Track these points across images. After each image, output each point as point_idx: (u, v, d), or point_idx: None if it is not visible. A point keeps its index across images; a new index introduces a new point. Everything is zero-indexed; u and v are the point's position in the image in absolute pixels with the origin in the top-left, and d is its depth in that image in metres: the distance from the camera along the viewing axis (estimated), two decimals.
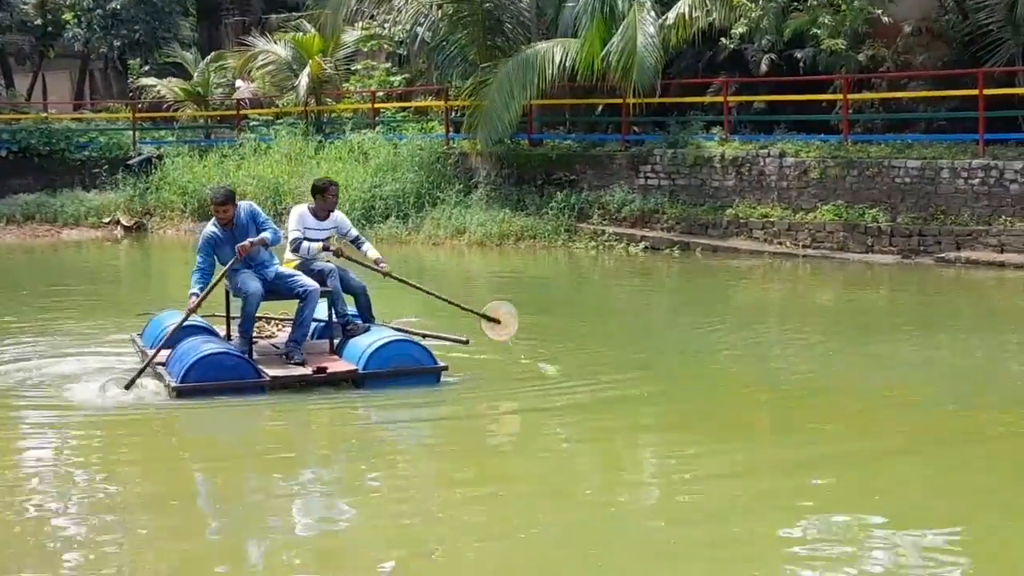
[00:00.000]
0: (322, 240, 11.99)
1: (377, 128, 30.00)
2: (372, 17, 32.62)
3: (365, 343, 11.47)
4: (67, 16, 40.64)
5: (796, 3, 22.98)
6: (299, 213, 12.10)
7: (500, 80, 24.87)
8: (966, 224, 20.51)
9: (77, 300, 19.15)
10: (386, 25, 32.71)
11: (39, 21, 40.68)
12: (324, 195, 12.15)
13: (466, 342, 12.26)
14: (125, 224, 29.31)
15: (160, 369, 11.37)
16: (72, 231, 29.34)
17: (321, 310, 12.07)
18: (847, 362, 12.99)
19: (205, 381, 10.85)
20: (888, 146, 22.40)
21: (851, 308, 17.53)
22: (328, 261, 11.97)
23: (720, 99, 25.57)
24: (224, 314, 12.17)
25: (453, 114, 28.72)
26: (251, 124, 33.62)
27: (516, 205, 25.36)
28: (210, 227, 11.73)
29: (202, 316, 12.24)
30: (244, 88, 34.80)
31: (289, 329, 12.04)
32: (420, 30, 29.12)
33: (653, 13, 24.34)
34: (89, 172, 31.61)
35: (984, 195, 20.55)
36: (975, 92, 21.57)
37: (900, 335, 14.83)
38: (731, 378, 12.41)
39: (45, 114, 36.29)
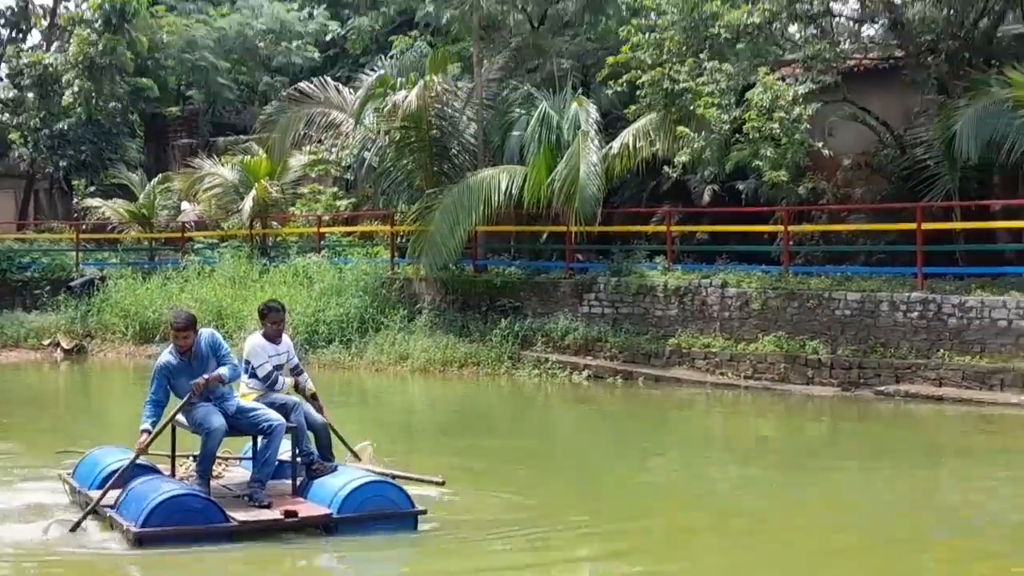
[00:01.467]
0: (279, 367, 11.40)
1: (322, 252, 29.99)
2: (320, 142, 32.80)
3: (337, 484, 10.65)
4: (13, 136, 40.76)
5: (738, 135, 23.28)
6: (259, 345, 11.40)
7: (446, 206, 25.00)
8: (905, 357, 20.62)
9: (10, 427, 18.75)
10: (333, 150, 32.91)
11: None
12: (264, 320, 11.59)
13: (442, 483, 11.63)
14: (65, 347, 28.99)
15: (110, 512, 10.38)
16: (11, 353, 28.97)
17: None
18: (787, 495, 12.93)
19: (169, 526, 9.90)
20: (828, 278, 22.59)
21: (792, 440, 17.54)
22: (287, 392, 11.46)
23: (663, 228, 25.76)
24: (169, 451, 11.34)
25: (399, 239, 28.77)
26: (196, 246, 33.56)
27: (460, 331, 25.32)
28: (166, 355, 10.99)
29: (153, 454, 11.45)
30: (190, 210, 34.76)
31: (231, 468, 11.51)
32: (367, 155, 29.27)
33: (597, 142, 24.65)
34: (30, 293, 31.36)
35: (923, 328, 20.71)
36: (913, 226, 21.84)
37: (840, 468, 14.82)
38: (671, 509, 12.29)
39: None
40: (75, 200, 39.52)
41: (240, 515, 10.33)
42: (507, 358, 24.19)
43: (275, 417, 10.82)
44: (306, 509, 10.59)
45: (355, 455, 12.05)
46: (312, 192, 34.22)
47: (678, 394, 21.53)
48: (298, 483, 11.08)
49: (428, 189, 26.52)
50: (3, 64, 43.42)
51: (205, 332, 11.15)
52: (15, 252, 33.34)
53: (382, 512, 10.58)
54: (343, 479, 10.73)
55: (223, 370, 10.84)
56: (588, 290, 24.81)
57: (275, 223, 32.90)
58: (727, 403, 20.80)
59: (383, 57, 32.25)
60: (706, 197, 26.80)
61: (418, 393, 22.99)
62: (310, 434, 11.25)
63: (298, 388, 11.74)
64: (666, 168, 24.52)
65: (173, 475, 11.23)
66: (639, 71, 24.96)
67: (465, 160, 27.81)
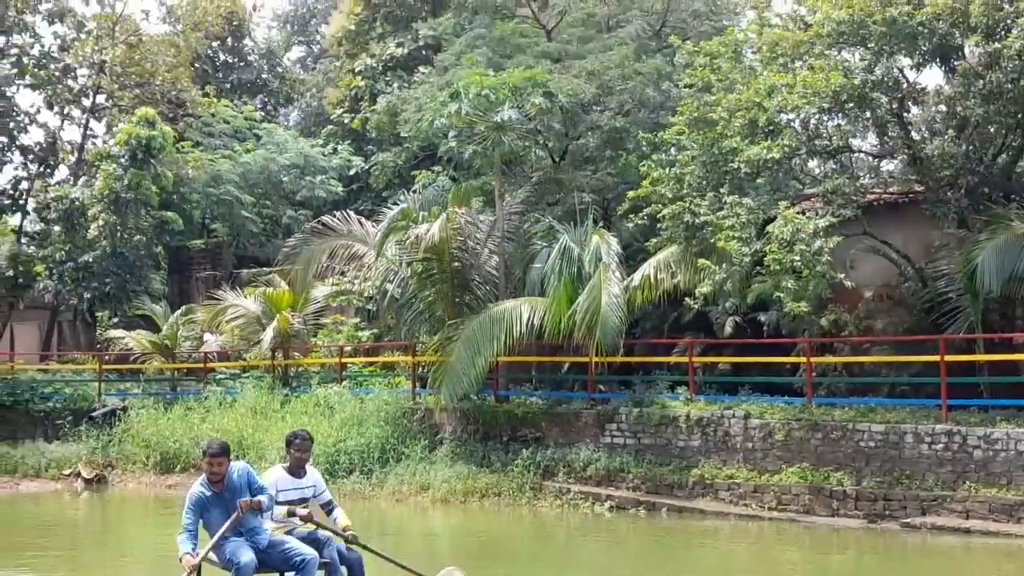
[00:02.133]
0: (294, 502, 11.12)
1: (344, 382, 30.05)
2: (342, 273, 33.08)
3: None
4: (39, 268, 41.16)
5: (759, 268, 23.40)
6: (274, 477, 11.25)
7: (467, 336, 25.08)
8: (931, 489, 20.47)
9: (25, 559, 18.60)
10: (356, 281, 33.19)
11: (11, 272, 41.13)
12: (289, 448, 11.42)
13: None
14: (86, 476, 28.96)
15: None
16: (32, 483, 28.96)
17: None
18: None
19: None
20: (852, 409, 22.52)
21: (818, 573, 17.29)
22: (293, 529, 11.07)
23: (685, 359, 25.80)
24: None
25: (420, 369, 28.82)
26: (218, 377, 33.64)
27: (481, 461, 25.25)
28: (197, 487, 10.83)
29: None
30: (212, 341, 34.93)
31: None
32: (389, 287, 29.45)
33: (618, 274, 24.80)
34: (52, 423, 31.48)
35: (948, 460, 20.59)
36: (936, 358, 21.84)
37: None
38: None
39: (11, 364, 36.24)
40: (98, 331, 39.75)
41: None
42: (529, 488, 24.08)
43: (308, 551, 10.57)
44: None
45: None
46: (334, 322, 34.42)
47: (702, 525, 21.34)
48: None
49: (449, 320, 26.63)
50: (31, 198, 44.07)
51: (238, 464, 10.96)
52: (38, 383, 33.51)
53: None
54: None
55: (262, 497, 10.65)
56: (610, 420, 24.76)
57: (297, 354, 33.01)
58: (751, 535, 20.60)
59: (406, 191, 32.71)
60: (728, 328, 26.88)
61: (439, 524, 22.83)
62: (343, 569, 11.00)
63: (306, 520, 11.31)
64: (687, 300, 24.61)
65: None
66: (660, 205, 25.26)
67: (487, 291, 27.96)
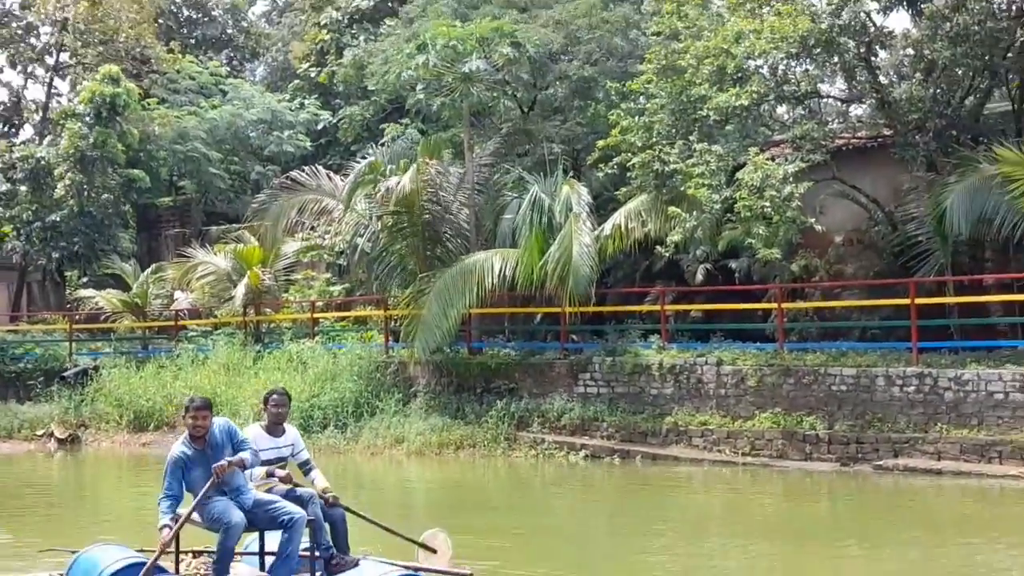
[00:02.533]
0: (272, 461, 10.79)
1: (316, 338, 30.00)
2: (312, 228, 32.94)
3: None
4: (6, 229, 40.89)
5: (729, 215, 23.42)
6: (251, 436, 10.84)
7: (439, 289, 25.06)
8: (903, 431, 20.62)
9: (6, 521, 18.52)
10: (326, 236, 33.06)
11: None
12: (266, 405, 11.15)
13: (469, 575, 11.04)
14: (59, 436, 28.86)
15: None
16: (4, 444, 28.86)
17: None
18: (789, 573, 12.84)
19: None
20: (823, 354, 22.63)
21: (792, 517, 17.41)
22: (272, 488, 10.71)
23: (657, 308, 25.86)
24: (173, 548, 10.65)
25: (392, 323, 28.78)
26: (189, 335, 33.54)
27: (455, 413, 25.29)
28: (178, 447, 10.44)
29: (138, 551, 11.01)
30: (183, 299, 34.80)
31: (235, 564, 10.77)
32: (360, 241, 29.36)
33: (589, 224, 24.77)
34: (24, 384, 31.33)
35: (919, 402, 20.73)
36: (907, 301, 21.96)
37: (841, 544, 14.74)
38: None
39: None
40: (68, 291, 39.55)
41: None
42: (503, 439, 24.15)
43: (295, 510, 10.21)
44: None
45: (427, 548, 11.37)
46: (305, 278, 34.31)
47: (676, 472, 21.45)
48: None
49: (421, 273, 26.60)
50: None
51: (219, 420, 10.61)
52: (8, 344, 33.34)
53: None
54: (373, 574, 10.15)
55: (244, 454, 10.34)
56: (583, 370, 24.80)
57: (268, 310, 32.92)
58: (726, 480, 20.71)
59: (374, 145, 32.52)
60: (699, 276, 26.92)
61: (415, 476, 22.86)
62: (326, 526, 10.71)
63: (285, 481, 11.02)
64: (658, 248, 24.63)
65: (177, 572, 10.65)
66: (629, 154, 25.22)
67: (458, 244, 27.92)
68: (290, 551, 10.09)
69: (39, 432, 29.29)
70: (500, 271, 24.80)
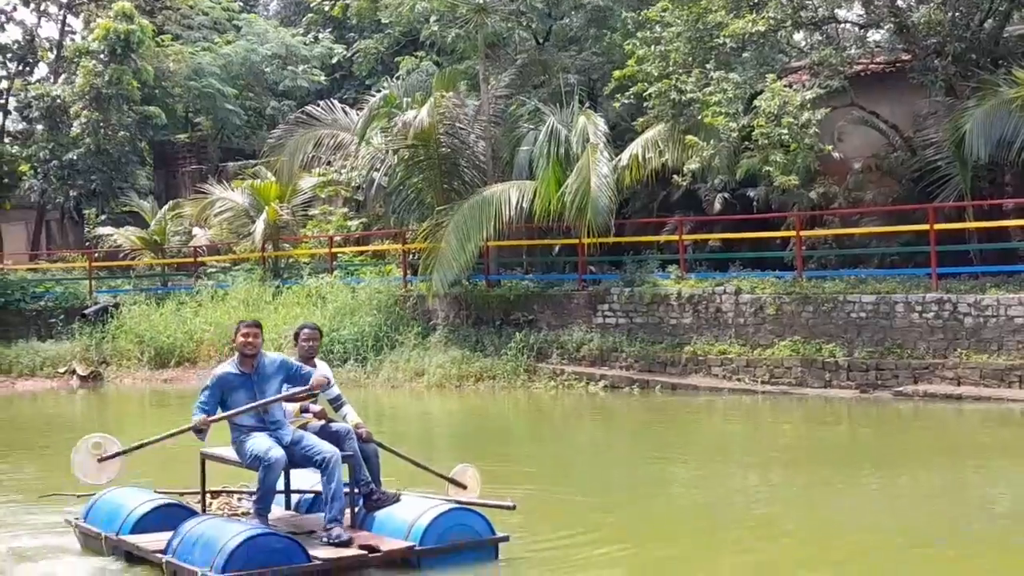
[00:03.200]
0: (301, 401, 10.46)
1: (335, 272, 30.07)
2: (329, 163, 32.90)
3: (410, 514, 9.86)
4: (23, 168, 41.00)
5: (747, 143, 23.30)
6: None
7: (456, 222, 25.01)
8: (922, 357, 20.62)
9: (35, 457, 18.64)
10: (343, 171, 33.02)
11: None
12: (297, 340, 10.87)
13: (512, 507, 10.79)
14: (81, 374, 29.06)
15: (166, 558, 9.44)
16: (27, 382, 29.07)
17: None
18: (809, 500, 12.89)
19: (252, 568, 8.92)
20: (842, 281, 22.59)
21: (811, 444, 17.44)
22: (307, 424, 10.41)
23: (675, 238, 25.82)
24: (200, 488, 10.61)
25: (411, 257, 28.81)
26: (208, 271, 33.65)
27: (474, 346, 25.36)
28: (225, 366, 10.13)
29: (164, 492, 10.89)
30: (201, 235, 34.89)
31: (243, 501, 10.87)
32: (377, 175, 29.34)
33: (607, 154, 24.66)
34: (45, 322, 31.47)
35: (939, 328, 20.70)
36: (926, 227, 21.90)
37: (861, 471, 14.78)
38: (698, 521, 12.22)
39: (0, 265, 36.16)
40: (87, 229, 39.71)
41: (321, 553, 9.44)
42: (523, 371, 24.22)
43: (328, 449, 9.90)
44: (386, 543, 9.70)
45: (457, 484, 11.13)
46: (323, 213, 34.32)
47: (696, 401, 21.52)
48: (356, 515, 10.25)
49: (438, 206, 26.54)
50: (11, 97, 43.72)
51: (272, 354, 10.33)
52: (28, 282, 33.46)
53: (465, 542, 9.85)
54: (415, 509, 9.96)
55: (320, 375, 10.12)
56: (602, 301, 24.82)
57: (287, 245, 32.99)
58: (745, 408, 20.76)
59: (389, 78, 32.40)
60: (717, 205, 26.86)
61: (435, 408, 22.98)
62: None
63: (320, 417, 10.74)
64: (676, 177, 24.52)
65: (204, 513, 10.41)
66: (646, 83, 25.03)
67: (475, 176, 27.84)
68: (334, 491, 9.77)
69: (61, 370, 29.48)
70: (517, 203, 24.74)
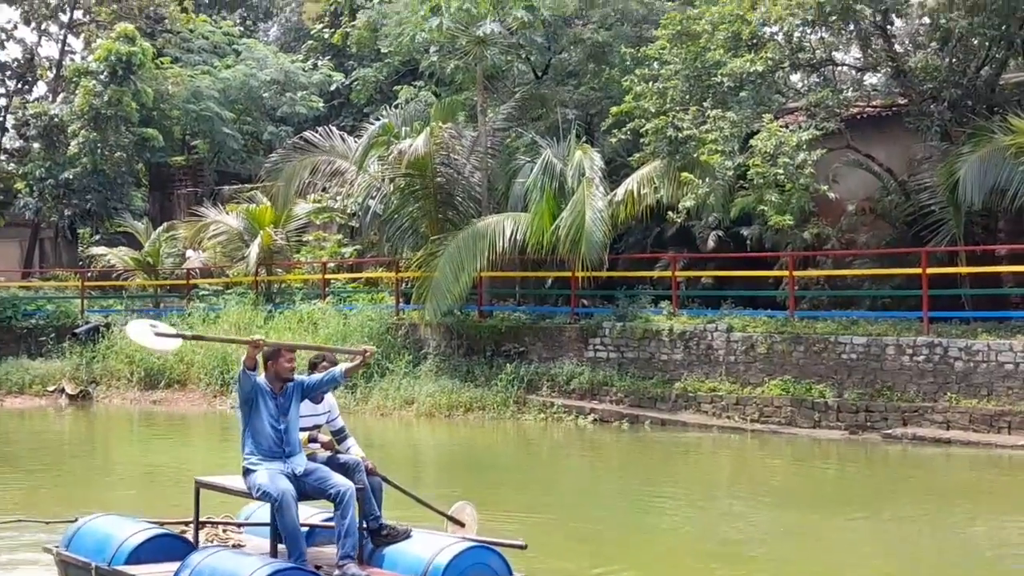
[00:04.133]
0: (310, 428, 10.16)
1: (327, 299, 30.07)
2: (324, 190, 32.96)
3: (426, 551, 9.40)
4: (19, 185, 40.99)
5: (742, 182, 23.39)
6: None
7: (450, 252, 25.08)
8: (912, 400, 20.67)
9: (20, 475, 18.60)
10: (338, 198, 33.08)
11: None
12: (314, 370, 10.31)
13: (524, 547, 10.36)
14: (70, 393, 29.01)
15: None
16: (16, 399, 29.02)
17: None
18: (797, 539, 12.91)
19: None
20: (834, 322, 22.65)
21: (800, 484, 17.48)
22: (314, 455, 10.04)
23: (668, 274, 25.89)
24: (192, 519, 10.05)
25: (403, 285, 28.84)
26: (201, 293, 33.64)
27: (465, 376, 25.36)
28: (260, 377, 9.64)
29: (157, 522, 10.44)
30: (195, 258, 34.91)
31: (234, 534, 10.50)
32: (372, 203, 29.39)
33: (602, 189, 24.77)
34: (35, 340, 31.45)
35: (929, 372, 20.76)
36: (919, 271, 21.98)
37: (848, 511, 14.81)
38: (695, 556, 12.22)
39: None
40: (80, 248, 39.70)
41: None
42: (512, 402, 24.21)
43: (343, 482, 9.45)
44: None
45: (455, 521, 10.81)
46: (317, 239, 34.38)
47: (685, 438, 21.53)
48: (364, 551, 9.78)
49: (433, 236, 26.62)
50: (9, 115, 43.79)
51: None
52: (20, 300, 33.42)
53: None
54: (430, 546, 9.52)
55: (344, 365, 9.78)
56: (593, 335, 24.85)
57: (280, 270, 33.01)
58: (734, 446, 20.78)
59: (388, 107, 32.47)
60: (711, 243, 26.96)
61: (425, 437, 22.98)
62: None
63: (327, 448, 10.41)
64: (670, 214, 24.61)
65: (196, 544, 9.90)
66: (643, 119, 25.13)
67: (470, 207, 27.93)
68: (348, 526, 9.29)
69: (50, 388, 29.44)
70: (511, 235, 24.84)
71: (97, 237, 39.08)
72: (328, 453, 10.16)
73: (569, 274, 25.64)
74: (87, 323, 31.72)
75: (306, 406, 10.05)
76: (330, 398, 10.49)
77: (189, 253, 35.37)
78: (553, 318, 26.23)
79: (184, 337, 10.26)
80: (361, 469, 9.86)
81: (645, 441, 21.43)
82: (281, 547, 9.52)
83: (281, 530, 9.29)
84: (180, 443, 23.37)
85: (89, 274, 35.98)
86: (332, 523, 9.73)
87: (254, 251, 30.70)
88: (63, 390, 29.24)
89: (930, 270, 21.89)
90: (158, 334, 9.72)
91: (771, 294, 25.19)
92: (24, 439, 23.91)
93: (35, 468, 19.18)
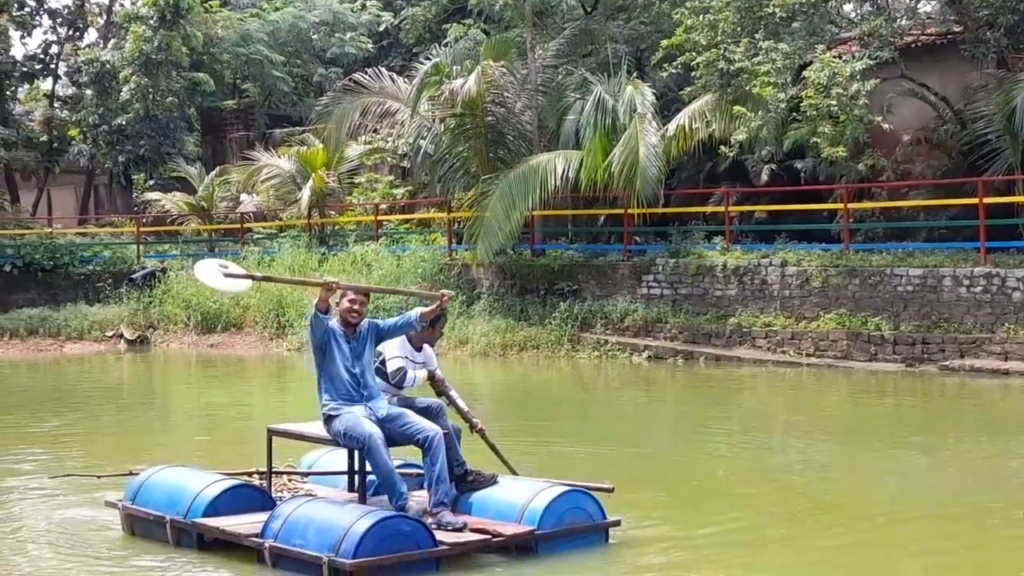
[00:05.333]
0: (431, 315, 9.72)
1: (380, 240, 30.14)
2: (375, 131, 32.94)
3: (520, 497, 9.27)
4: (73, 132, 41.30)
5: (795, 114, 23.15)
6: (398, 344, 9.99)
7: (502, 191, 25.03)
8: (969, 332, 20.50)
9: (83, 419, 18.77)
10: (389, 139, 33.09)
11: (45, 137, 41.37)
12: (435, 325, 10.10)
13: (611, 490, 10.07)
14: (128, 338, 29.30)
15: (269, 543, 8.76)
16: (75, 345, 29.33)
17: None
18: (854, 472, 12.86)
19: (383, 554, 8.37)
20: (889, 255, 22.46)
21: (857, 417, 17.38)
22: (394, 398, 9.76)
23: (721, 209, 25.74)
24: (266, 468, 10.02)
25: (456, 225, 28.85)
26: (255, 237, 33.84)
27: (519, 315, 25.39)
28: (333, 321, 9.49)
29: (225, 473, 10.26)
30: (248, 202, 35.06)
31: (300, 483, 10.33)
32: (423, 143, 29.35)
33: (654, 124, 24.59)
34: (93, 286, 31.73)
35: (987, 303, 20.56)
36: (975, 201, 21.72)
37: (906, 444, 14.73)
38: (755, 495, 12.10)
39: (50, 229, 36.48)
40: (135, 194, 40.01)
41: (443, 538, 8.83)
42: (567, 341, 24.22)
43: (430, 427, 9.20)
44: (504, 528, 9.08)
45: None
46: (369, 181, 34.41)
47: (740, 373, 21.49)
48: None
49: (484, 175, 26.54)
50: (61, 62, 43.94)
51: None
52: (77, 246, 33.69)
53: (581, 526, 9.37)
54: (523, 491, 9.39)
55: (420, 309, 9.56)
56: (647, 272, 24.79)
57: (333, 212, 33.10)
58: (789, 381, 20.73)
59: (437, 46, 32.32)
60: (764, 177, 26.69)
61: (480, 377, 23.04)
62: None
63: (437, 389, 10.34)
64: (723, 149, 24.42)
65: (270, 491, 9.87)
66: (694, 53, 24.89)
67: (521, 146, 27.82)
68: (438, 472, 9.11)
69: (108, 333, 29.71)
70: (563, 173, 24.74)
71: (151, 183, 39.33)
72: (409, 397, 9.94)
73: (621, 211, 25.57)
74: (143, 268, 31.96)
75: (409, 348, 9.99)
76: (428, 350, 10.27)
77: (243, 197, 35.53)
78: (606, 255, 26.18)
79: (254, 278, 10.41)
80: (444, 413, 9.71)
81: (700, 377, 21.41)
82: (373, 497, 9.48)
83: (376, 474, 9.17)
84: (239, 387, 23.58)
85: (144, 219, 36.26)
86: (407, 470, 9.72)
87: (306, 194, 30.81)
88: (121, 335, 29.52)
89: (987, 200, 21.62)
90: (228, 275, 9.66)
91: (825, 227, 24.98)
92: (85, 385, 24.18)
93: (99, 413, 19.39)
